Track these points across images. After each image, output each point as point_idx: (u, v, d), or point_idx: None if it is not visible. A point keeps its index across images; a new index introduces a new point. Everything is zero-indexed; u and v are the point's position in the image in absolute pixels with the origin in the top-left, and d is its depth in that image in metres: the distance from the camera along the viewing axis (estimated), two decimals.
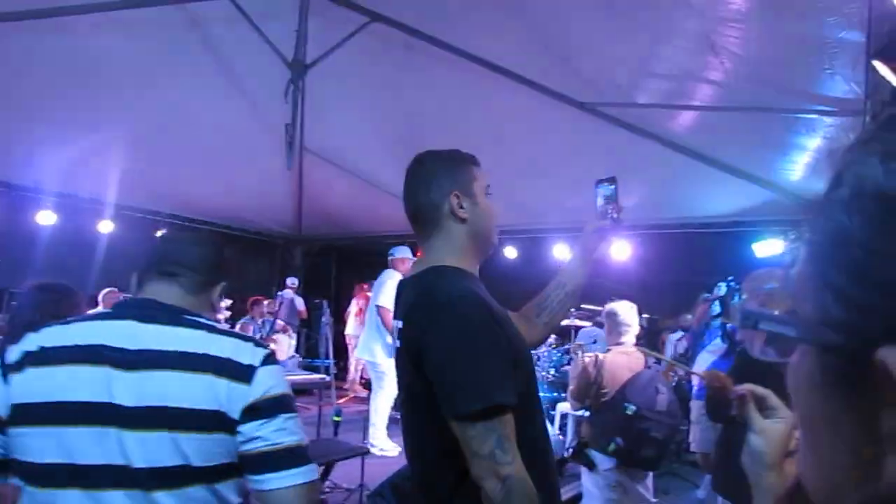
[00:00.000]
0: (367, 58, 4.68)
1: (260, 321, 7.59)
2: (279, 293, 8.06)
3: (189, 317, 1.20)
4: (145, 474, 1.06)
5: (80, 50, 4.32)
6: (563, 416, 5.73)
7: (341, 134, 5.75)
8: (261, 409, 1.13)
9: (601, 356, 3.19)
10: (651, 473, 3.18)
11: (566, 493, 4.32)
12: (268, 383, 1.16)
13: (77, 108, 4.92)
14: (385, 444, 5.51)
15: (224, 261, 1.36)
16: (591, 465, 3.06)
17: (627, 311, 3.23)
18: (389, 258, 5.79)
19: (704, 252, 7.01)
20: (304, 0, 4.05)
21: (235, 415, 1.11)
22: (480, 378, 1.15)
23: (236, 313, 7.49)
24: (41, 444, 1.07)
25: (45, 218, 6.33)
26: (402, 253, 5.72)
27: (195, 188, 6.48)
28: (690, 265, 7.50)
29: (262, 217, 7.64)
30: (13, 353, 1.14)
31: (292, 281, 8.12)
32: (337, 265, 10.56)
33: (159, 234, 1.46)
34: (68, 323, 1.19)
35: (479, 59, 4.39)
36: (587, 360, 3.35)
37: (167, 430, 1.07)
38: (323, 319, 6.23)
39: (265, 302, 7.82)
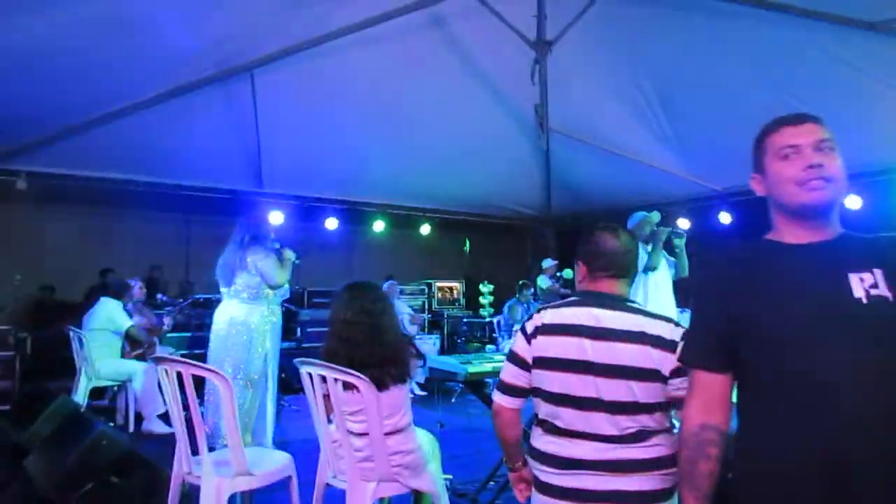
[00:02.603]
0: (608, 24, 4.43)
1: (525, 304, 7.89)
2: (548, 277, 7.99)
3: (628, 303, 1.83)
4: (611, 404, 1.71)
5: (336, 68, 4.75)
6: None
7: (583, 107, 5.53)
8: (682, 370, 1.61)
9: None
10: None
11: None
12: None
13: (344, 125, 5.47)
14: None
15: (627, 258, 1.91)
16: None
17: None
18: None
19: None
20: None
21: (666, 372, 1.70)
22: (683, 339, 1.56)
23: (501, 297, 7.75)
24: (550, 380, 1.80)
25: (331, 223, 7.17)
26: (635, 220, 4.71)
27: (448, 181, 6.86)
28: None
29: (511, 201, 7.76)
30: (530, 327, 1.87)
31: (548, 263, 8.00)
32: None
33: (597, 234, 1.94)
34: (558, 307, 1.90)
35: None
36: None
37: (623, 378, 1.70)
38: None
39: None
